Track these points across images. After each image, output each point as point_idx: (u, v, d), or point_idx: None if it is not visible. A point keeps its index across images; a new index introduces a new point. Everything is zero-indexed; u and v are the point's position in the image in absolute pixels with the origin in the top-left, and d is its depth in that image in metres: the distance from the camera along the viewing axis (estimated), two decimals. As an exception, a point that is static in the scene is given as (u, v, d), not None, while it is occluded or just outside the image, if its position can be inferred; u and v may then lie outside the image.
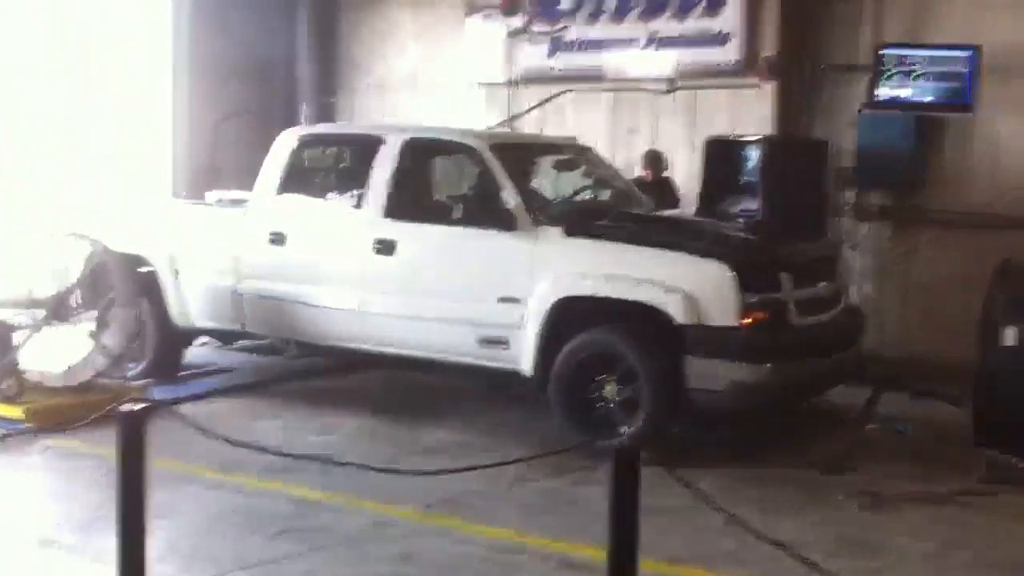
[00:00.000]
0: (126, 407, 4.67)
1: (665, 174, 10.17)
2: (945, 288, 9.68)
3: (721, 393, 6.54)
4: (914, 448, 7.07)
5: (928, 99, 9.34)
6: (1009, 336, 6.33)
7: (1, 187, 10.20)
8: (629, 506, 4.29)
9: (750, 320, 6.55)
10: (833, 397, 7.78)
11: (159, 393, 7.79)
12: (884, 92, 9.44)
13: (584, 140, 10.48)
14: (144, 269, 8.47)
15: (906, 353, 9.68)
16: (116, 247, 7.98)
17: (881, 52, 9.43)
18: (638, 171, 10.13)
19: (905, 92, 9.38)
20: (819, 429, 7.68)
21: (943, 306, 9.68)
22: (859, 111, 9.76)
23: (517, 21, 11.42)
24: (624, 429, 6.59)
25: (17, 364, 7.40)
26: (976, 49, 9.16)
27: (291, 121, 11.39)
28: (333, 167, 8.18)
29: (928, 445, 7.02)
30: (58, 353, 7.60)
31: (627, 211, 8.15)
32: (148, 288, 8.34)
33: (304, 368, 9.27)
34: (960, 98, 9.22)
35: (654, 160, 10.06)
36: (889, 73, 9.41)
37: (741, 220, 8.89)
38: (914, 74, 9.35)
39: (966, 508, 6.02)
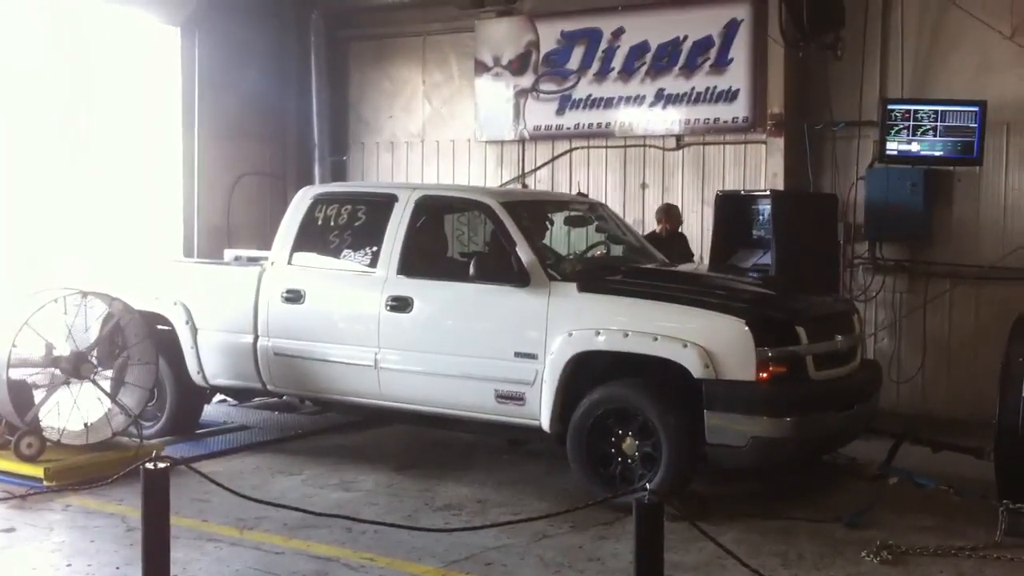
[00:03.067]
0: (149, 465, 4.67)
1: (680, 229, 10.24)
2: (961, 341, 9.73)
3: (741, 448, 6.55)
4: (935, 502, 7.03)
5: (938, 153, 9.44)
6: (1029, 388, 6.33)
7: (19, 246, 10.28)
8: (654, 562, 4.30)
9: (768, 374, 6.57)
10: (851, 450, 7.77)
11: (177, 451, 7.80)
12: (893, 147, 9.54)
13: (595, 196, 10.63)
14: (163, 327, 8.52)
15: (923, 406, 9.71)
16: (135, 305, 8.03)
17: (889, 107, 9.55)
18: (652, 226, 10.21)
19: (914, 147, 9.49)
20: (838, 483, 7.66)
21: (959, 359, 9.72)
22: (871, 165, 9.86)
23: (526, 80, 11.57)
24: (646, 484, 6.56)
25: (38, 423, 7.42)
26: (983, 105, 9.29)
27: (304, 180, 11.53)
28: (348, 225, 8.23)
29: (950, 499, 6.99)
30: (77, 412, 7.61)
31: (640, 266, 8.21)
32: (167, 346, 8.40)
33: (322, 424, 9.30)
34: (969, 152, 9.34)
35: (668, 214, 10.12)
36: (897, 128, 9.52)
37: (754, 274, 8.93)
38: (922, 129, 9.45)
39: (988, 562, 5.99)
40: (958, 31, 9.70)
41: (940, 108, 9.43)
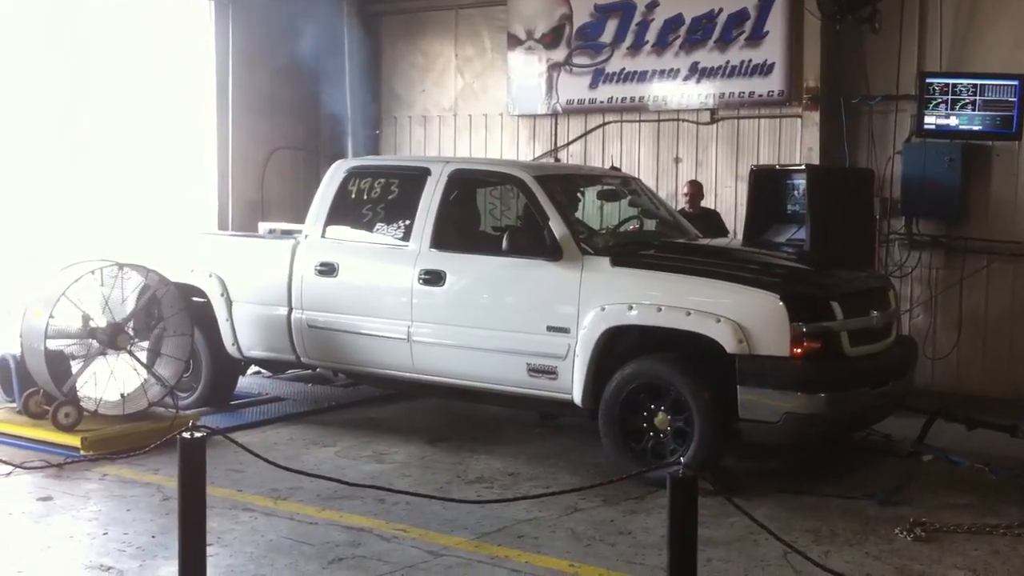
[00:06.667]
0: (186, 434, 4.72)
1: (703, 204, 10.18)
2: (997, 318, 9.64)
3: (774, 424, 6.52)
4: (969, 480, 7.00)
5: (976, 128, 9.34)
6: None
7: (56, 220, 10.37)
8: (687, 536, 4.29)
9: (802, 350, 6.52)
10: (885, 427, 7.73)
11: (212, 422, 7.87)
12: (930, 121, 9.44)
13: (628, 170, 10.59)
14: (198, 299, 8.59)
15: (958, 383, 9.64)
16: (171, 278, 8.10)
17: (928, 81, 9.43)
18: (682, 203, 10.17)
19: (952, 121, 9.38)
20: (871, 460, 7.63)
21: (995, 336, 9.64)
22: (908, 140, 9.76)
23: (559, 54, 11.52)
24: (680, 458, 6.56)
25: (75, 393, 7.51)
26: (1022, 79, 9.16)
27: (337, 154, 11.53)
28: (381, 198, 8.25)
29: (984, 477, 6.95)
30: (114, 382, 7.70)
31: (673, 241, 8.17)
32: (202, 318, 8.47)
33: (355, 397, 9.36)
34: (1008, 127, 9.22)
35: (689, 189, 10.10)
36: (935, 102, 9.41)
37: (789, 249, 8.87)
38: (960, 103, 9.34)
39: (1022, 541, 5.93)
40: (996, 4, 9.58)
41: (979, 82, 9.32)
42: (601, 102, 11.30)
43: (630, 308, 6.95)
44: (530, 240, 7.43)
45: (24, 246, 10.04)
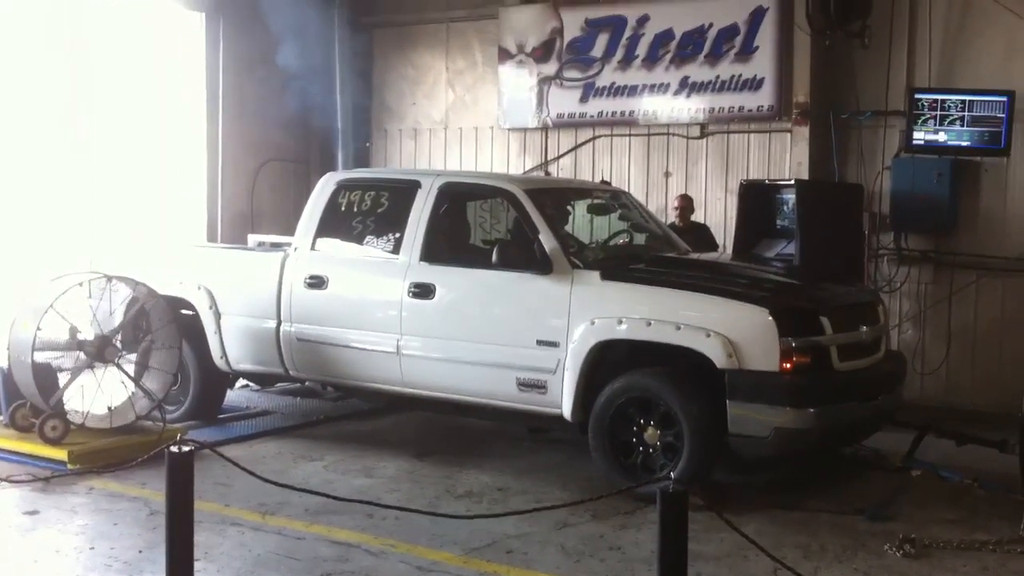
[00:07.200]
0: (174, 448, 4.70)
1: (693, 218, 10.19)
2: (986, 333, 9.66)
3: (764, 439, 6.52)
4: (959, 495, 7.00)
5: (965, 143, 9.38)
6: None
7: (46, 230, 10.32)
8: (678, 552, 4.28)
9: (791, 364, 6.53)
10: (874, 442, 7.73)
11: (200, 435, 7.82)
12: (919, 137, 9.49)
13: (618, 184, 10.60)
14: (186, 312, 8.56)
15: (947, 398, 9.65)
16: (159, 290, 8.07)
17: (917, 96, 9.47)
18: (672, 217, 10.17)
19: (941, 136, 9.43)
20: (861, 474, 7.63)
21: (984, 350, 9.66)
22: (897, 155, 9.80)
23: (550, 68, 11.53)
24: (670, 473, 6.54)
25: (62, 406, 7.46)
26: (1011, 95, 9.20)
27: (328, 166, 11.52)
28: (371, 211, 8.24)
29: (973, 492, 6.95)
30: (101, 395, 7.65)
31: (663, 255, 8.18)
32: (190, 331, 8.44)
33: (344, 411, 9.33)
34: (996, 142, 9.26)
35: (679, 203, 10.11)
36: (924, 118, 9.46)
37: (778, 264, 8.89)
38: (949, 118, 9.38)
39: (1012, 556, 5.94)
40: (985, 18, 9.62)
41: (968, 98, 9.36)
42: (591, 116, 11.31)
43: (620, 322, 6.94)
44: (520, 253, 7.42)
45: (16, 253, 9.98)
